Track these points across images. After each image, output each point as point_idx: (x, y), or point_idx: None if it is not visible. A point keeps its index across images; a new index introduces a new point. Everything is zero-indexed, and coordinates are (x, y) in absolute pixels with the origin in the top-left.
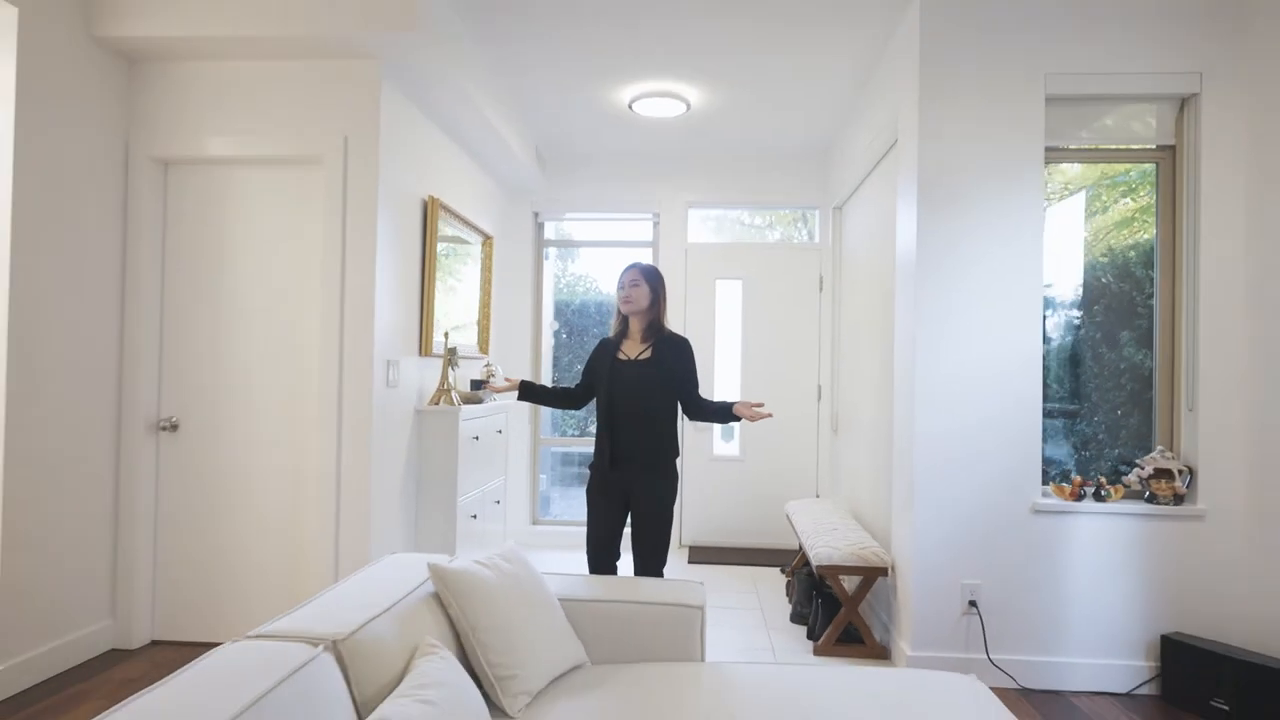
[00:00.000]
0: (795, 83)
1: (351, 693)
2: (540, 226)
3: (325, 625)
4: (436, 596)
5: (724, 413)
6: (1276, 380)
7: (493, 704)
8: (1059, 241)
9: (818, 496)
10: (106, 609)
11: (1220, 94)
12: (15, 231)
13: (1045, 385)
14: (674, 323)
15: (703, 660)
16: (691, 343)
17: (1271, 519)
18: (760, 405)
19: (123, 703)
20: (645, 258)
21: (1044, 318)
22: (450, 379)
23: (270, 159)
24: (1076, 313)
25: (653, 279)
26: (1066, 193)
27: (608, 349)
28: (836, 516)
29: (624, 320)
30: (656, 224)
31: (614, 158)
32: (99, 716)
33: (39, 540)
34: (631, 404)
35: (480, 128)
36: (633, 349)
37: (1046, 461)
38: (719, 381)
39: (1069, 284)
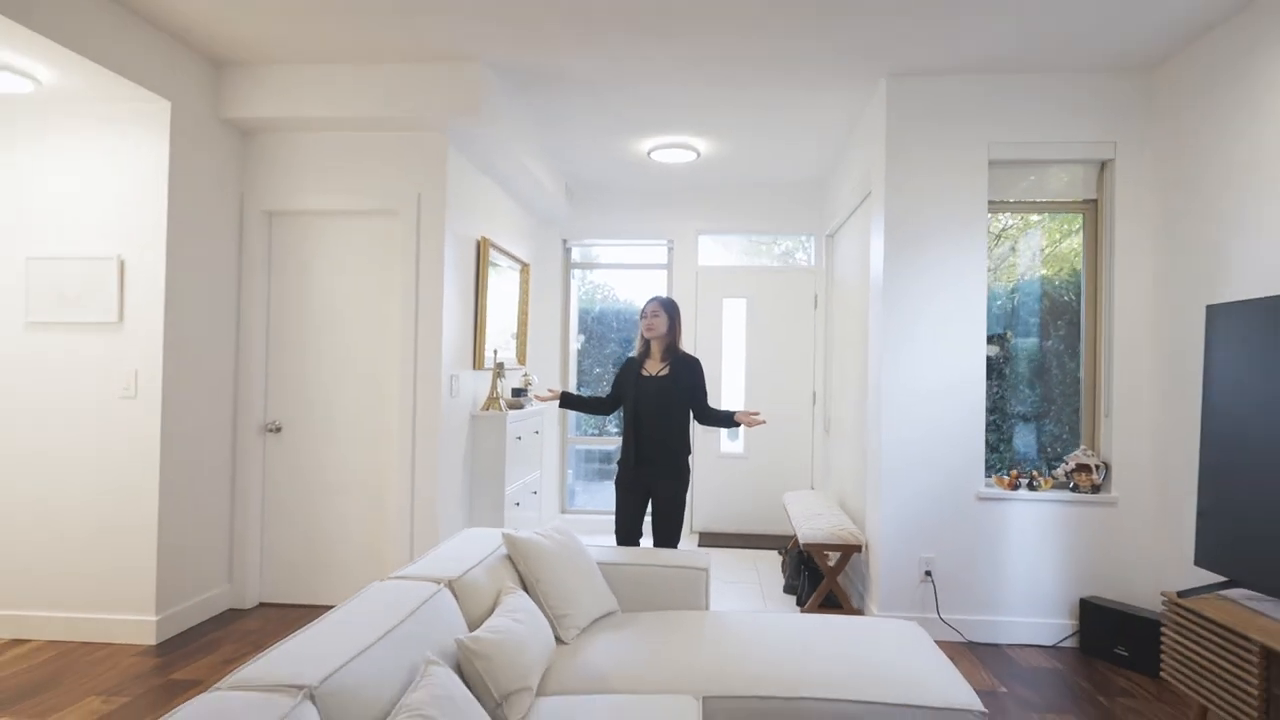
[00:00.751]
0: (791, 132)
1: (463, 614)
2: (568, 251)
3: (441, 571)
4: (508, 558)
5: (728, 419)
6: (1171, 396)
7: (554, 634)
8: (1025, 266)
9: (812, 489)
10: (225, 576)
11: (1130, 159)
12: (169, 272)
13: (1017, 390)
14: (687, 337)
15: (707, 610)
16: (701, 357)
17: (1168, 506)
18: (757, 413)
19: (319, 619)
20: (661, 279)
21: (1010, 334)
22: (498, 389)
23: (356, 211)
24: (1032, 337)
25: (670, 309)
26: (1026, 226)
27: (633, 366)
28: (824, 505)
29: (646, 343)
30: (671, 249)
31: (633, 192)
32: (306, 626)
33: (181, 523)
34: (652, 413)
35: (522, 174)
36: (654, 367)
37: (1017, 455)
38: (726, 387)
39: (1031, 306)
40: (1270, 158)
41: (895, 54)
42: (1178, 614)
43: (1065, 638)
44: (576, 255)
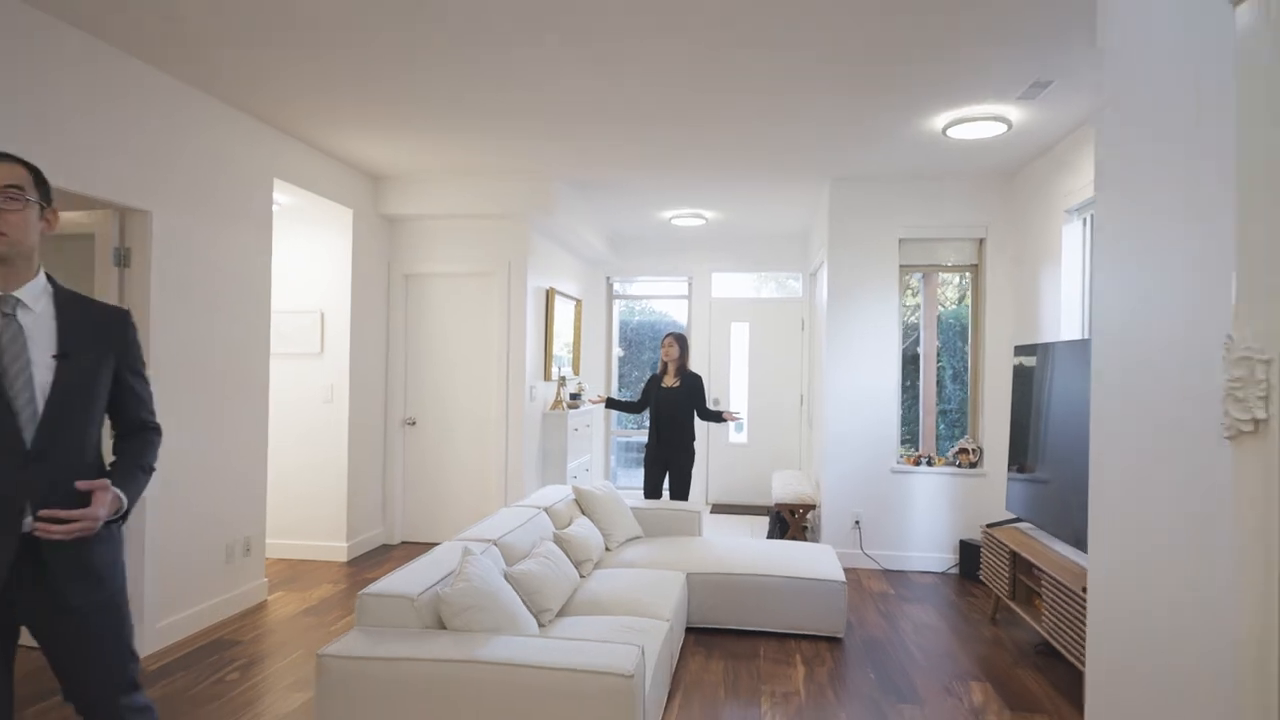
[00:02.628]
0: (774, 206)
1: (553, 525)
2: (610, 286)
3: (539, 503)
4: (575, 501)
5: (718, 416)
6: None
7: (603, 544)
8: (947, 307)
9: (799, 469)
10: (381, 521)
11: (996, 237)
12: (351, 319)
13: (939, 388)
14: (702, 354)
15: (699, 536)
16: (712, 368)
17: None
18: (735, 412)
19: (475, 523)
20: (683, 306)
21: (925, 356)
22: (561, 394)
23: (465, 273)
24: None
25: (681, 342)
26: (949, 276)
27: (656, 380)
28: (797, 479)
29: (664, 364)
30: (690, 283)
31: (660, 242)
32: (483, 519)
33: (358, 485)
34: (669, 413)
35: (577, 238)
36: (669, 381)
37: (938, 438)
38: (734, 391)
39: (947, 337)
40: (1054, 246)
41: (835, 168)
42: (987, 538)
43: (950, 567)
44: (617, 288)
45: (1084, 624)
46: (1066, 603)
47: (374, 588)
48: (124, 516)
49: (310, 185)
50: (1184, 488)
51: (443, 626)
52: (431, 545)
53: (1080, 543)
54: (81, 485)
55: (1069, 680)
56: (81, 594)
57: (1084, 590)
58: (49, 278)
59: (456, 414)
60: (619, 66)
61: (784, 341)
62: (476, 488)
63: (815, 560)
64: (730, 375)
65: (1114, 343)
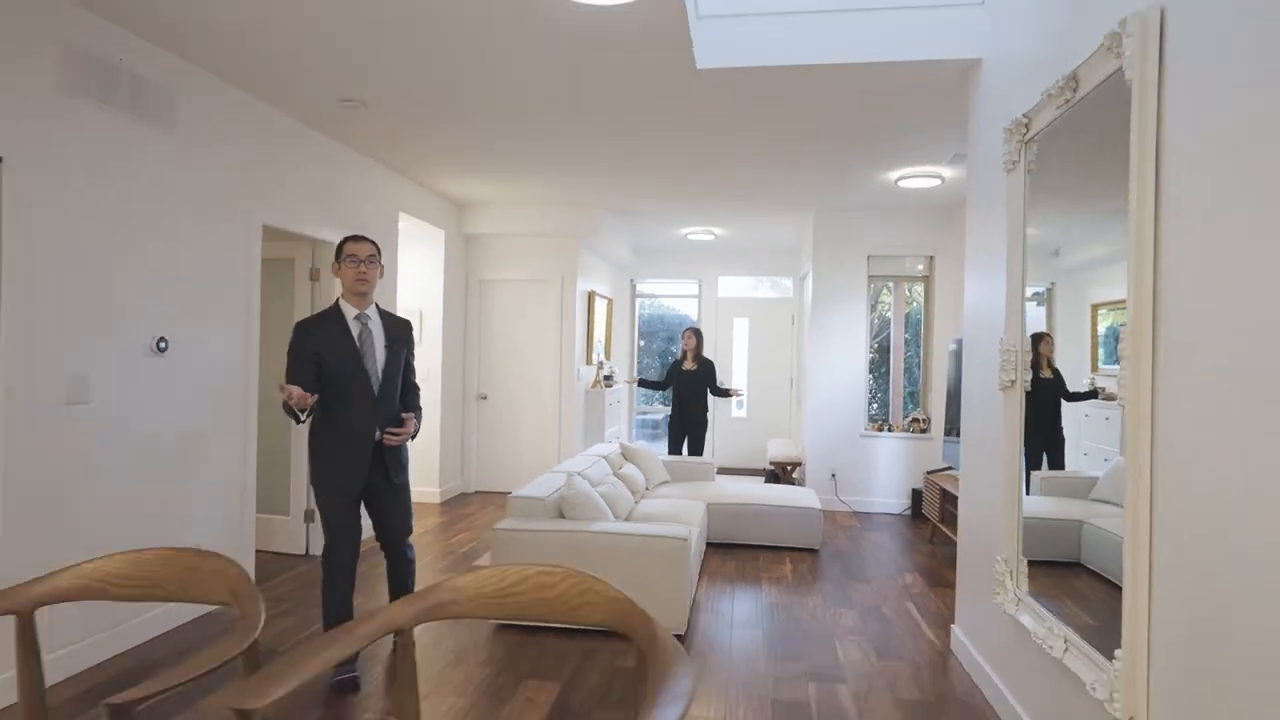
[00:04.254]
0: (772, 226)
1: (609, 467)
2: (633, 286)
3: (598, 453)
4: (622, 453)
5: (725, 392)
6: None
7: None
8: (909, 306)
9: (789, 437)
10: (459, 474)
11: (943, 256)
12: (443, 317)
13: (906, 372)
14: (710, 343)
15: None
16: (717, 356)
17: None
18: (738, 389)
19: (561, 462)
20: (693, 305)
21: (886, 347)
22: (599, 375)
23: (529, 280)
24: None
25: (698, 334)
26: (917, 281)
27: (678, 364)
28: (787, 443)
29: (684, 352)
30: (700, 285)
31: (676, 250)
32: (559, 464)
33: (445, 446)
34: (689, 391)
35: (612, 251)
36: (689, 365)
37: (904, 411)
38: (735, 374)
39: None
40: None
41: (817, 202)
42: (927, 482)
43: (904, 509)
44: (640, 289)
45: None
46: None
47: (519, 493)
48: (414, 435)
49: (419, 214)
50: (990, 416)
51: (561, 516)
52: (502, 494)
53: None
54: (405, 416)
55: None
56: (399, 475)
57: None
58: (375, 303)
59: (519, 391)
60: (649, 136)
61: (777, 334)
62: (535, 448)
63: (800, 497)
64: (732, 362)
65: (972, 339)
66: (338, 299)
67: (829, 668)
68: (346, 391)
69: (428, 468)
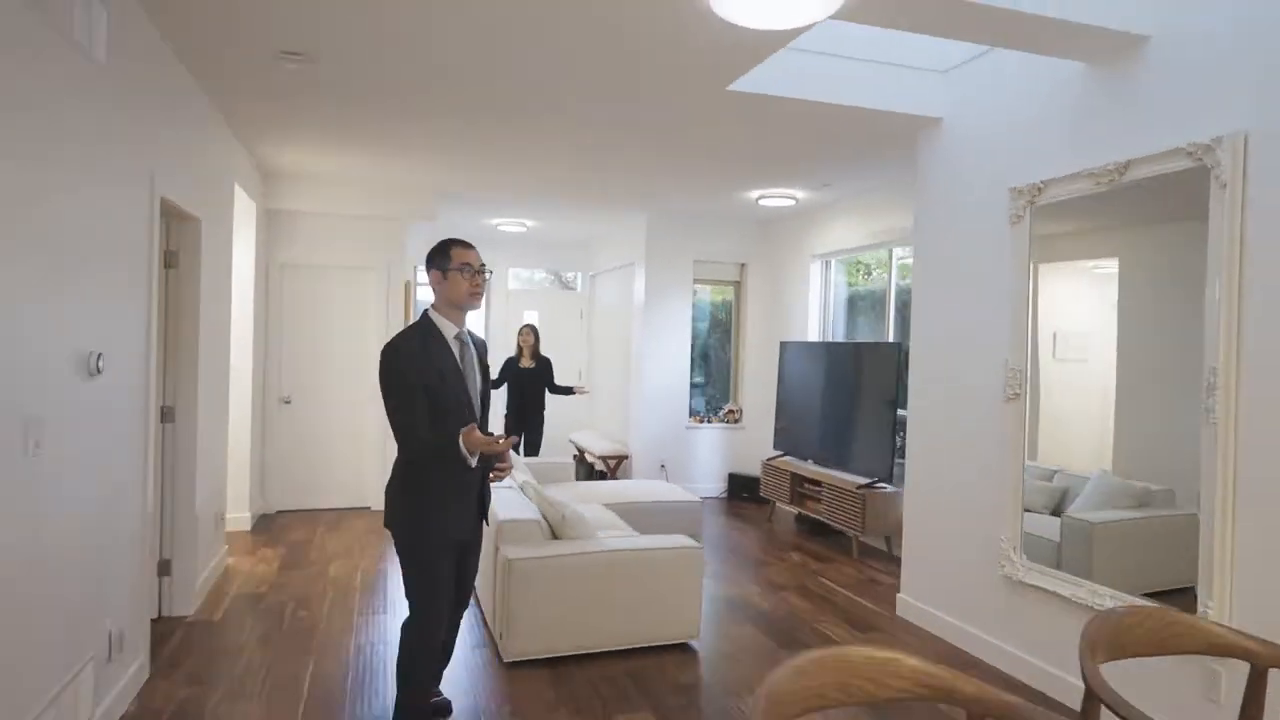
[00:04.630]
0: (599, 220)
1: None
2: (415, 274)
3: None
4: None
5: (569, 390)
6: (764, 375)
7: None
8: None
9: (594, 429)
10: (260, 493)
11: (755, 262)
12: (255, 309)
13: (703, 370)
14: (495, 338)
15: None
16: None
17: (764, 427)
18: (585, 387)
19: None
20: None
21: (700, 339)
22: None
23: (344, 266)
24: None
25: (535, 332)
26: (725, 287)
27: (513, 362)
28: (597, 436)
29: (521, 349)
30: (490, 275)
31: (474, 239)
32: None
33: (241, 460)
34: (526, 392)
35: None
36: (526, 363)
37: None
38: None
39: (716, 327)
40: (803, 277)
41: (651, 205)
42: (766, 466)
43: (723, 492)
44: (421, 277)
45: (850, 510)
46: (838, 499)
47: (506, 518)
48: None
49: (243, 184)
50: (982, 426)
51: (555, 537)
52: (311, 514)
53: (822, 461)
54: (505, 440)
55: (830, 540)
56: (485, 511)
57: (857, 489)
58: None
59: (330, 393)
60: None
61: (568, 328)
62: (351, 459)
63: (674, 492)
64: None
65: (935, 353)
66: (426, 312)
67: (827, 644)
68: (445, 423)
69: (237, 489)
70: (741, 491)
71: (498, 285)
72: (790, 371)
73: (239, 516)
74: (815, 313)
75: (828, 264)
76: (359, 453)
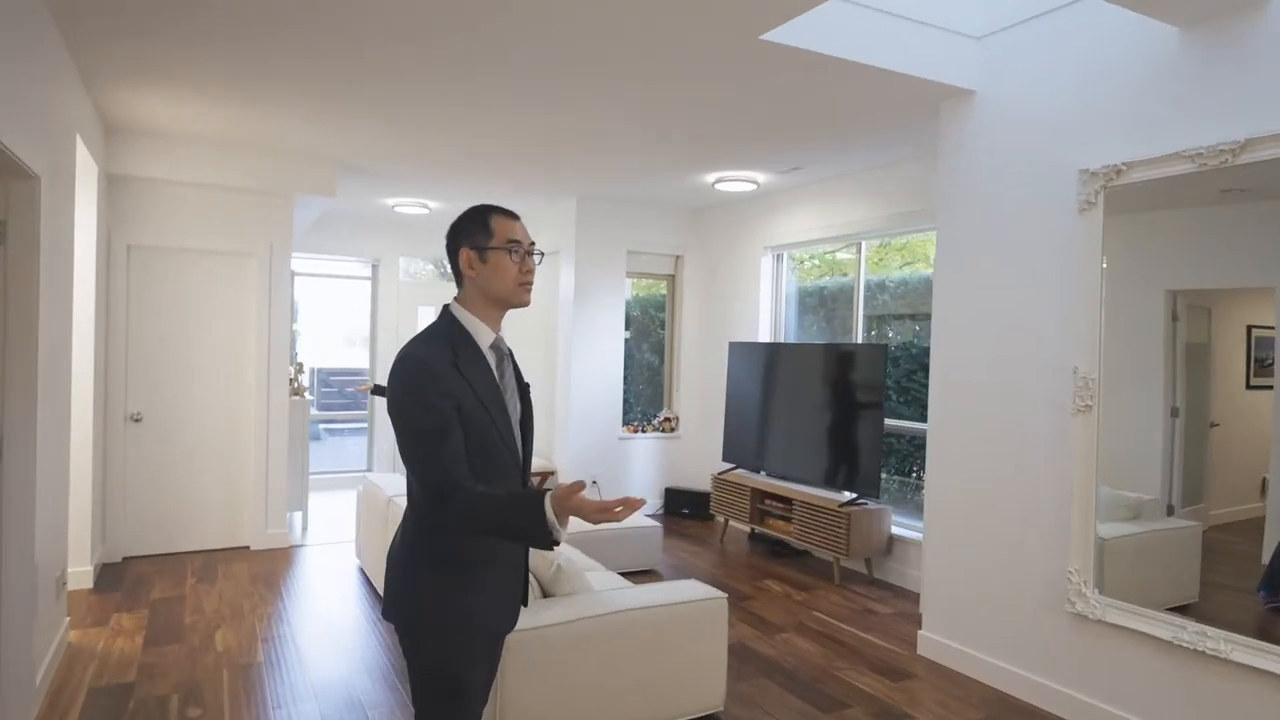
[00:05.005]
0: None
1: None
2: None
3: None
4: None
5: None
6: (706, 380)
7: None
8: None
9: None
10: (101, 537)
11: (691, 254)
12: (98, 302)
13: (635, 375)
14: (389, 335)
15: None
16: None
17: (707, 436)
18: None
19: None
20: (367, 289)
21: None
22: (300, 380)
23: (216, 251)
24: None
25: None
26: (651, 287)
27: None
28: None
29: None
30: (378, 265)
31: (360, 221)
32: None
33: (82, 495)
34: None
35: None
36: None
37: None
38: None
39: (646, 327)
40: (752, 272)
41: (582, 187)
42: (718, 481)
43: (659, 509)
44: (296, 266)
45: (831, 531)
46: (815, 518)
47: None
48: None
49: (86, 139)
50: (1040, 441)
51: (545, 595)
52: (171, 558)
53: (787, 475)
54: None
55: (801, 563)
56: None
57: (840, 507)
58: None
59: (195, 407)
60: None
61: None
62: (223, 488)
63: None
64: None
65: (968, 358)
66: (448, 311)
67: (868, 700)
68: (485, 473)
69: (75, 533)
70: (681, 508)
71: (387, 277)
72: (743, 376)
73: (79, 571)
74: (766, 310)
75: (779, 257)
76: (234, 479)
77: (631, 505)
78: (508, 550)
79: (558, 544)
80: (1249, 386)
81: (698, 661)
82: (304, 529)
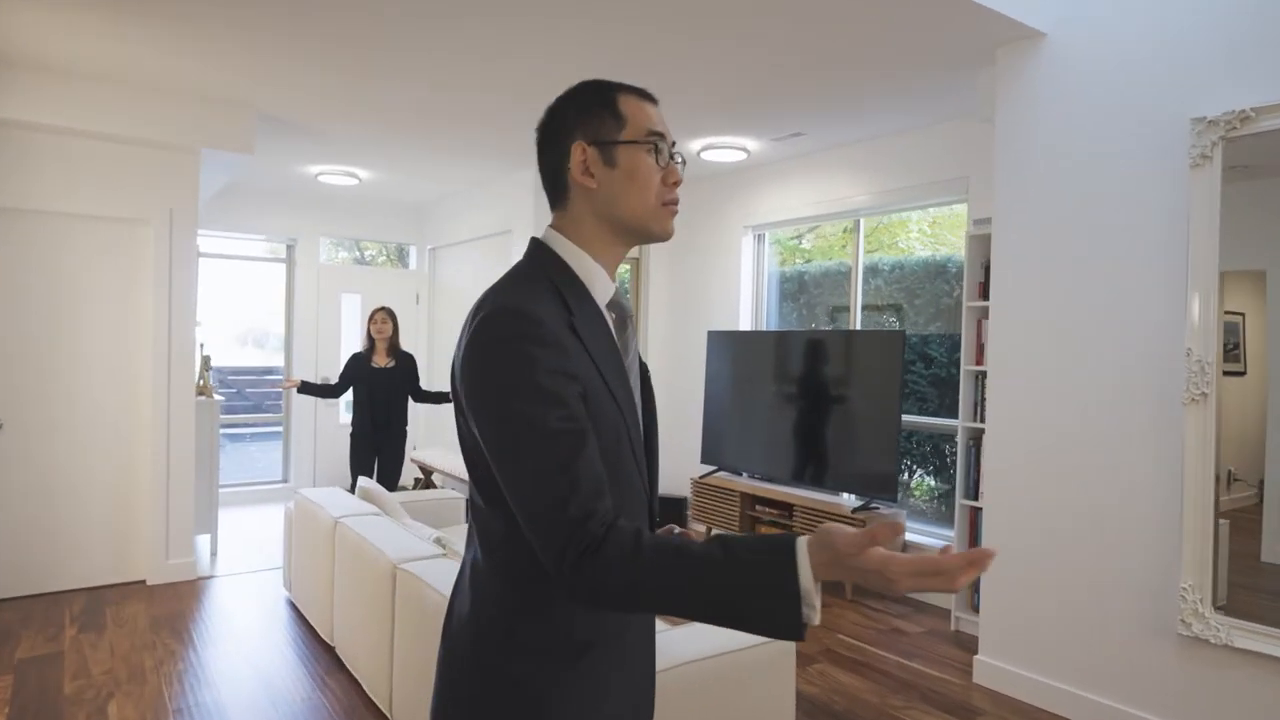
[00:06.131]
0: (464, 172)
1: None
2: None
3: (350, 503)
4: (363, 495)
5: (443, 397)
6: (679, 374)
7: None
8: None
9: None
10: None
11: None
12: None
13: None
14: (308, 324)
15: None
16: (323, 343)
17: (686, 434)
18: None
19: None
20: (282, 273)
21: None
22: (207, 376)
23: (94, 217)
24: None
25: (394, 318)
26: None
27: (362, 359)
28: (444, 453)
29: (373, 342)
30: (294, 246)
31: (276, 194)
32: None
33: None
34: (384, 396)
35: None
36: (382, 360)
37: None
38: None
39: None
40: (733, 253)
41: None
42: (698, 486)
43: None
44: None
45: None
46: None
47: None
48: None
49: None
50: (1137, 435)
51: None
52: (35, 600)
53: (781, 478)
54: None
55: None
56: None
57: (853, 512)
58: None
59: (74, 412)
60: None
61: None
62: (111, 510)
63: None
64: (340, 350)
65: (1036, 342)
66: (542, 245)
67: None
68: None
69: None
70: (653, 517)
71: (305, 260)
72: (725, 370)
73: None
74: (748, 297)
75: (761, 238)
76: (124, 498)
77: (979, 563)
78: (640, 625)
79: (807, 627)
80: None
81: (762, 717)
82: (214, 556)
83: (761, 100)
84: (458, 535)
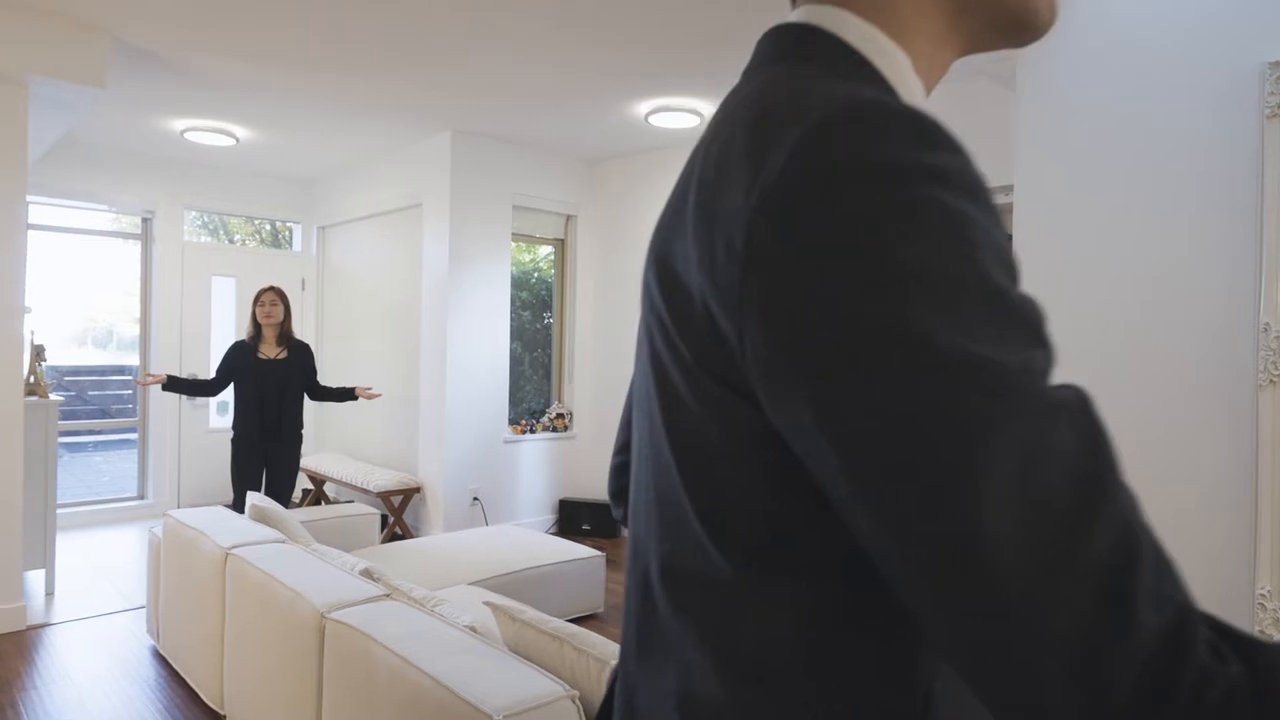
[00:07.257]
0: (367, 134)
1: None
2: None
3: (238, 524)
4: (257, 516)
5: (347, 394)
6: (604, 368)
7: None
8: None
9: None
10: None
11: (585, 215)
12: None
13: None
14: (171, 311)
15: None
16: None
17: (602, 440)
18: (372, 388)
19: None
20: (137, 252)
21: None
22: (40, 371)
23: None
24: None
25: (286, 301)
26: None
27: (246, 349)
28: (355, 462)
29: (260, 328)
30: (151, 220)
31: (124, 152)
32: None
33: None
34: (274, 392)
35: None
36: (271, 351)
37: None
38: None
39: (528, 302)
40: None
41: (459, 118)
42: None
43: (552, 526)
44: (32, 215)
45: None
46: None
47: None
48: None
49: None
50: (1200, 424)
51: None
52: None
53: None
54: None
55: None
56: None
57: None
58: None
59: None
60: None
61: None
62: None
63: (561, 547)
64: (211, 345)
65: (1076, 320)
66: (820, 35)
67: None
68: None
69: None
70: (580, 523)
71: (169, 236)
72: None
73: None
74: None
75: None
76: None
77: None
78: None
79: None
80: None
81: None
82: (49, 596)
83: (723, 50)
84: (380, 560)
